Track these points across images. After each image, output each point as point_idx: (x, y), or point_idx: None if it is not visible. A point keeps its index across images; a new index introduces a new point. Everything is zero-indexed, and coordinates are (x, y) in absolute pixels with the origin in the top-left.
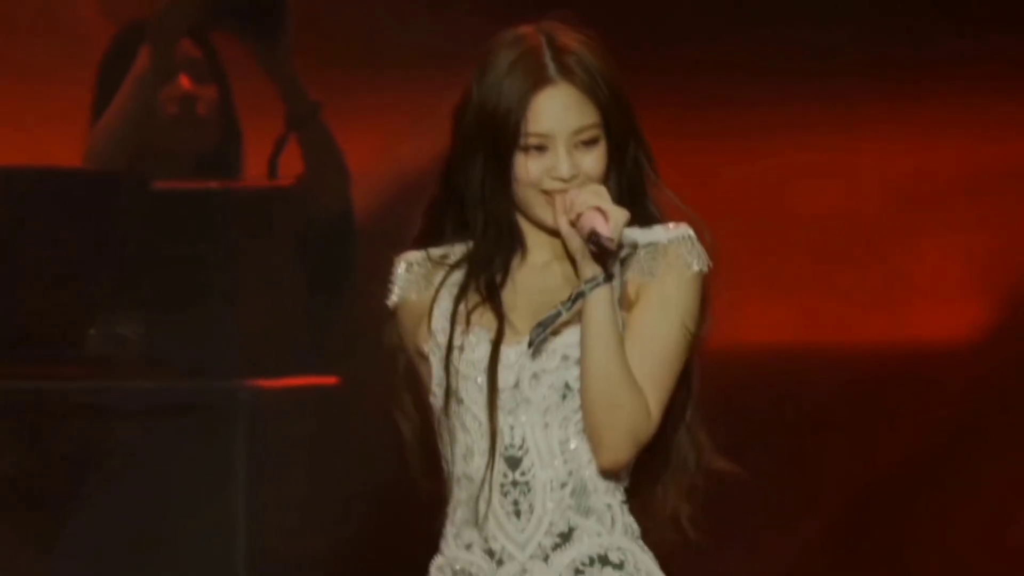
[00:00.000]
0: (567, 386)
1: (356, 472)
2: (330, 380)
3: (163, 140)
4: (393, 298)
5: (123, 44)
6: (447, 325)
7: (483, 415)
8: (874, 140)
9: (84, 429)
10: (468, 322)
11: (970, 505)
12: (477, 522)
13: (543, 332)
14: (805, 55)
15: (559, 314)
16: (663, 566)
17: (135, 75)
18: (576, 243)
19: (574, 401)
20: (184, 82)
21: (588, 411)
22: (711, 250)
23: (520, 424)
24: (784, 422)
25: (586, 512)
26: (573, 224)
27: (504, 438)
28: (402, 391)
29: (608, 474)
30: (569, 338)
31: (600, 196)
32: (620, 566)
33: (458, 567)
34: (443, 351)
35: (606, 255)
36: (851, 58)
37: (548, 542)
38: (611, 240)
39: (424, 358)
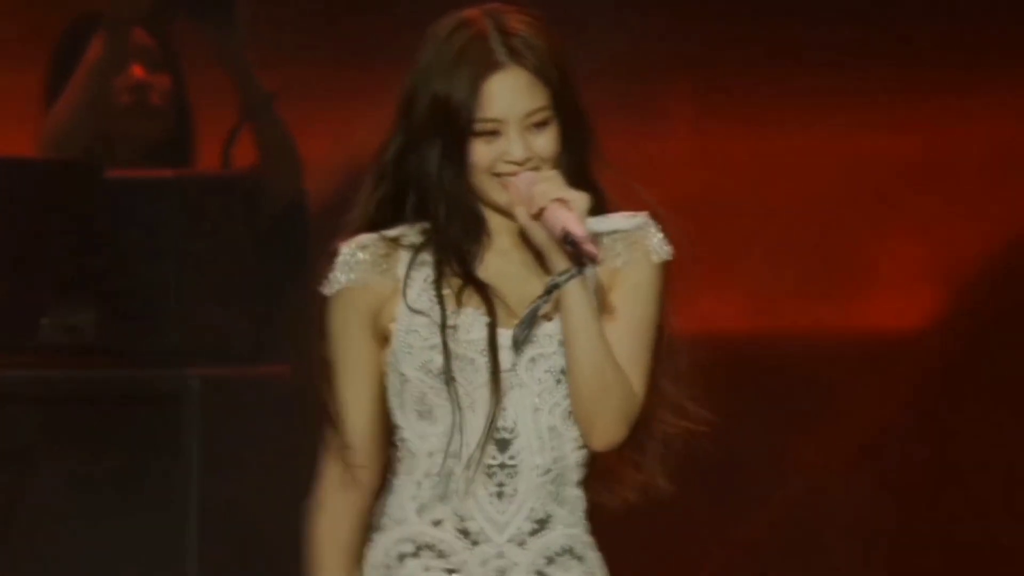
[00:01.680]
0: (562, 371)
1: (308, 460)
2: (283, 368)
3: (116, 129)
4: (344, 280)
5: (77, 32)
6: (432, 305)
7: (476, 394)
8: (828, 131)
9: (35, 418)
10: (459, 302)
11: (924, 491)
12: (452, 499)
13: (526, 330)
14: (763, 49)
15: (538, 309)
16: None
17: (88, 63)
18: (540, 236)
19: (566, 387)
20: (137, 71)
21: (578, 397)
22: (671, 236)
23: (512, 407)
24: (736, 410)
25: (562, 501)
26: (536, 217)
27: (495, 420)
28: (344, 372)
29: (583, 465)
30: (561, 322)
31: (558, 185)
32: (582, 560)
33: (423, 542)
34: (430, 330)
35: (583, 255)
36: (808, 51)
37: (527, 527)
38: (588, 240)
39: (384, 339)
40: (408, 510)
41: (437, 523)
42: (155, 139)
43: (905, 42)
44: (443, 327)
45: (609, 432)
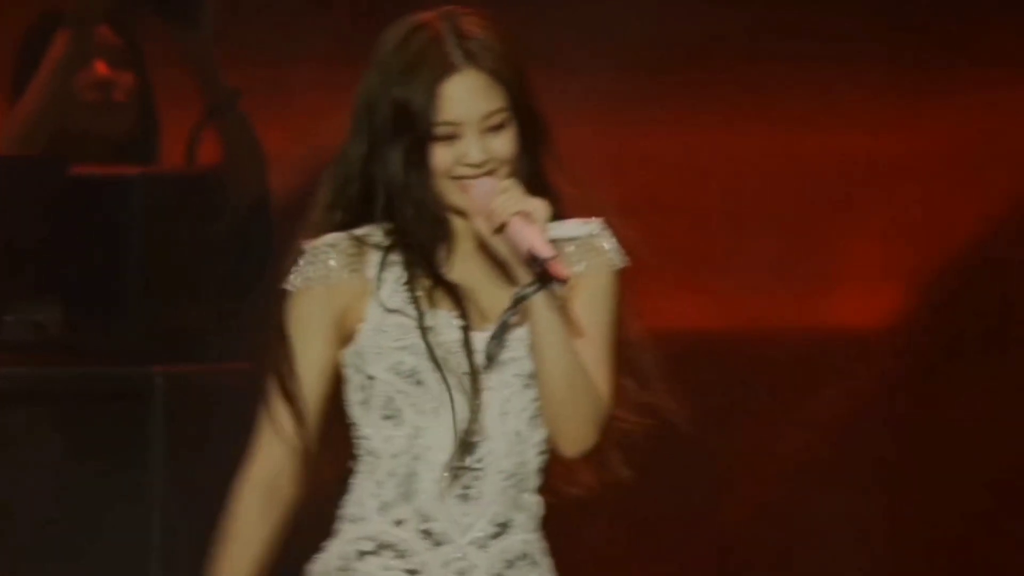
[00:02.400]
0: (530, 375)
1: None
2: (247, 366)
3: (80, 126)
4: (313, 277)
5: (41, 29)
6: (407, 306)
7: (444, 398)
8: (787, 128)
9: None
10: (432, 304)
11: (888, 489)
12: (416, 499)
13: (498, 343)
14: (719, 45)
15: (507, 322)
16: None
17: (52, 60)
18: (504, 249)
19: (533, 391)
20: (101, 68)
21: (549, 405)
22: (624, 240)
23: (480, 410)
24: (701, 409)
25: (520, 507)
26: (498, 231)
27: (462, 423)
28: (300, 369)
29: (541, 470)
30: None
31: (517, 198)
32: (537, 565)
33: (384, 541)
34: (403, 331)
35: (552, 277)
36: (766, 46)
37: (488, 530)
38: (556, 261)
39: (345, 339)
40: (368, 508)
41: (399, 523)
42: (119, 136)
43: (866, 42)
44: (422, 328)
45: (580, 439)
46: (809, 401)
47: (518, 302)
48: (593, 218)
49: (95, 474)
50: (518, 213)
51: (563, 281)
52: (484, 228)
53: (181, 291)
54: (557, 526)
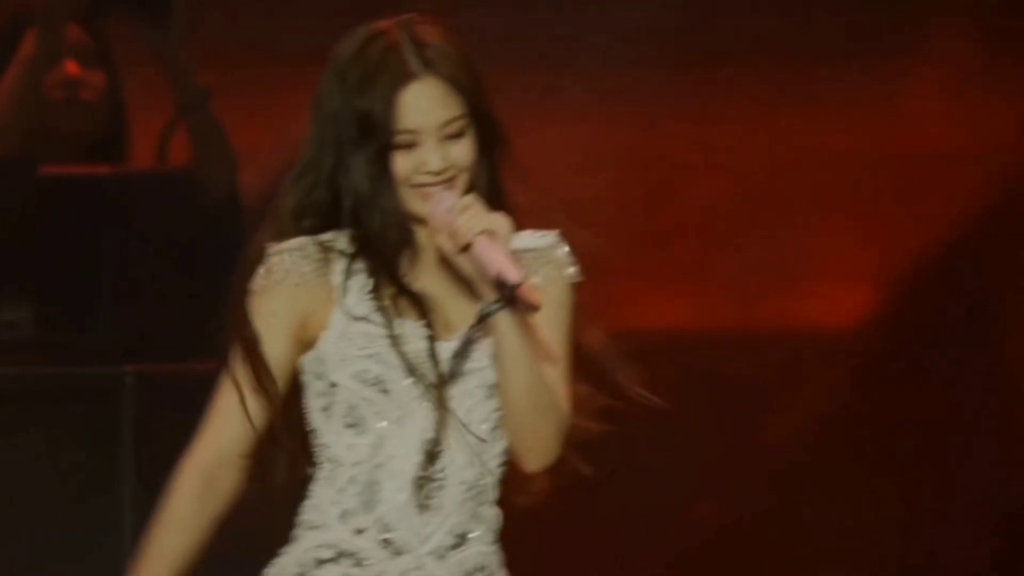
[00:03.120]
0: (494, 385)
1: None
2: (218, 365)
3: (50, 125)
4: (278, 279)
5: (10, 28)
6: (373, 315)
7: (410, 406)
8: (759, 128)
9: None
10: (398, 312)
11: (859, 487)
12: (377, 508)
13: (461, 360)
14: (684, 45)
15: (470, 338)
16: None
17: (21, 59)
18: (468, 267)
19: (495, 402)
20: (71, 67)
21: (512, 421)
22: (581, 249)
23: (443, 420)
24: (671, 409)
25: (479, 519)
26: (463, 251)
27: (424, 432)
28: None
29: (500, 482)
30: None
31: (480, 217)
32: None
33: (344, 549)
34: (368, 339)
35: (522, 304)
36: (732, 44)
37: (447, 541)
38: (526, 287)
39: (305, 345)
40: (329, 515)
41: (360, 531)
42: (89, 135)
43: (839, 37)
44: (391, 337)
45: (544, 454)
46: (783, 401)
47: (482, 319)
48: (550, 231)
49: (66, 472)
50: (483, 232)
51: (535, 308)
52: (448, 246)
53: (152, 290)
54: (520, 533)
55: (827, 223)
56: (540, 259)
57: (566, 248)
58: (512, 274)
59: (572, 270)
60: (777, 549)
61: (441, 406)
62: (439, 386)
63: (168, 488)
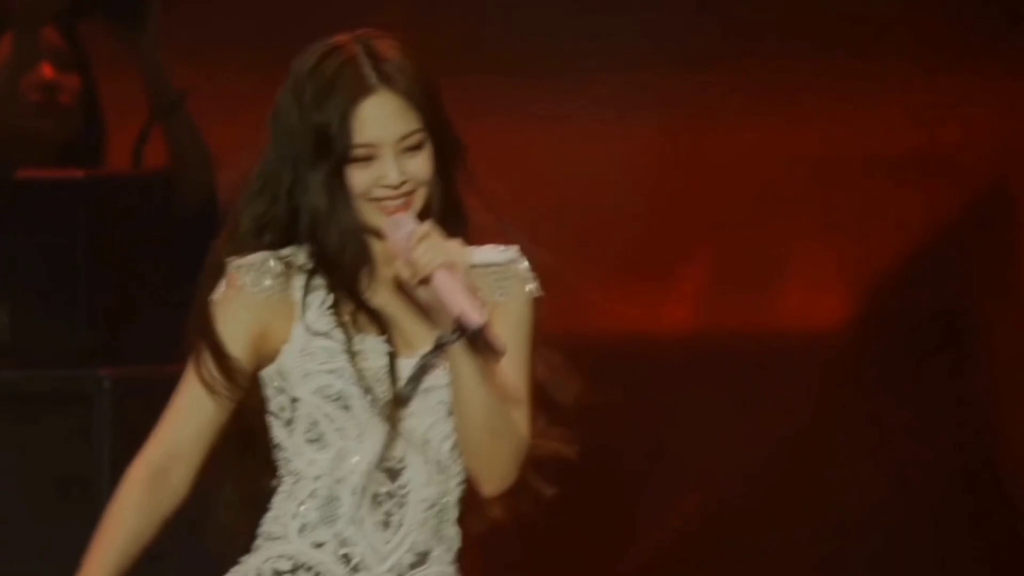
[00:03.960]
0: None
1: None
2: None
3: (25, 128)
4: (241, 291)
5: None
6: (332, 330)
7: (370, 422)
8: (739, 130)
9: None
10: (358, 328)
11: (827, 489)
12: (336, 523)
13: (415, 387)
14: (676, 49)
15: (426, 365)
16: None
17: None
18: (425, 297)
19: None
20: (47, 70)
21: (469, 448)
22: (538, 263)
23: (403, 437)
24: (651, 408)
25: (440, 538)
26: (422, 283)
27: (389, 448)
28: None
29: (461, 501)
30: None
31: (438, 248)
32: None
33: (302, 562)
34: (330, 354)
35: (485, 348)
36: (719, 50)
37: (407, 559)
38: (490, 331)
39: (264, 358)
40: (289, 528)
41: (319, 545)
42: (65, 139)
43: (814, 38)
44: (350, 352)
45: (502, 478)
46: (760, 402)
47: (439, 347)
48: (510, 245)
49: (42, 476)
50: (441, 265)
51: (497, 354)
52: (405, 274)
53: (128, 293)
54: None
55: (802, 224)
56: (501, 274)
57: (526, 263)
58: (474, 317)
59: (533, 285)
60: (760, 546)
61: (393, 423)
62: (394, 403)
63: (120, 481)
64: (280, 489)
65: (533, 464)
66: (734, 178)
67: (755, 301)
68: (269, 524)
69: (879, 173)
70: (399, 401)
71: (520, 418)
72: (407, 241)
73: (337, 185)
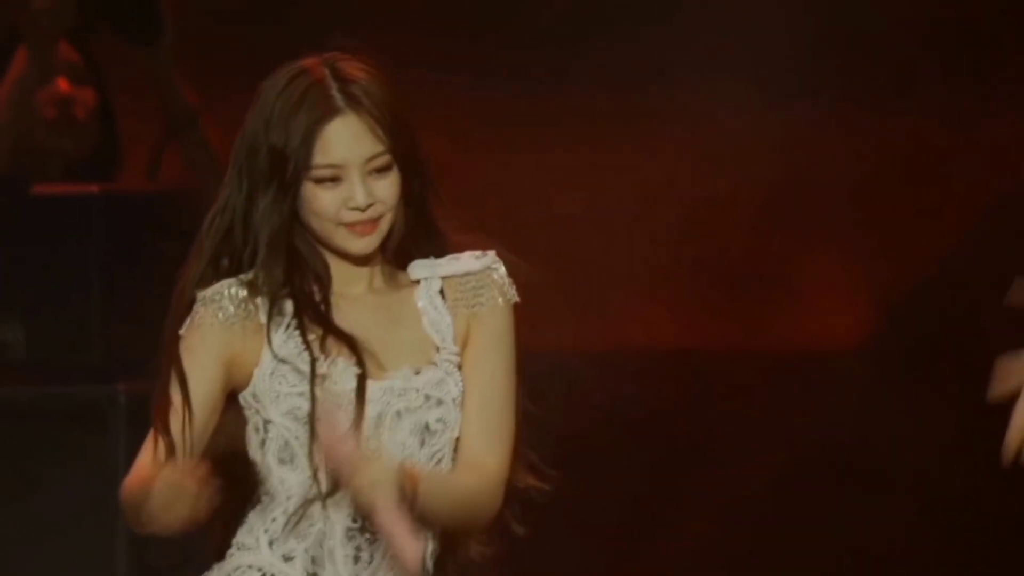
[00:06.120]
0: (427, 427)
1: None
2: None
3: (41, 143)
4: (209, 320)
5: (1, 44)
6: (299, 351)
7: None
8: (756, 146)
9: None
10: (324, 351)
11: (850, 508)
12: (306, 540)
13: (392, 402)
14: (686, 58)
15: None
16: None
17: (12, 77)
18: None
19: (430, 447)
20: (62, 85)
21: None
22: (518, 275)
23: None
24: (667, 426)
25: None
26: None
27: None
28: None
29: (437, 542)
30: (429, 376)
31: (388, 488)
32: None
33: (271, 572)
34: (298, 377)
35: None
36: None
37: None
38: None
39: (237, 382)
40: (260, 540)
41: (288, 559)
42: (80, 154)
43: (844, 50)
44: (312, 376)
45: (480, 529)
46: (777, 418)
47: None
48: (486, 252)
49: (59, 493)
50: (380, 504)
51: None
52: (331, 476)
53: (143, 308)
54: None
55: (821, 241)
56: (479, 283)
57: (503, 269)
58: (409, 556)
59: (510, 292)
60: (770, 561)
61: (358, 446)
62: (356, 426)
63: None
64: (255, 506)
65: (513, 504)
66: (755, 195)
67: (775, 320)
68: (242, 535)
69: (898, 187)
70: (358, 422)
71: (499, 457)
72: (346, 457)
73: (294, 206)
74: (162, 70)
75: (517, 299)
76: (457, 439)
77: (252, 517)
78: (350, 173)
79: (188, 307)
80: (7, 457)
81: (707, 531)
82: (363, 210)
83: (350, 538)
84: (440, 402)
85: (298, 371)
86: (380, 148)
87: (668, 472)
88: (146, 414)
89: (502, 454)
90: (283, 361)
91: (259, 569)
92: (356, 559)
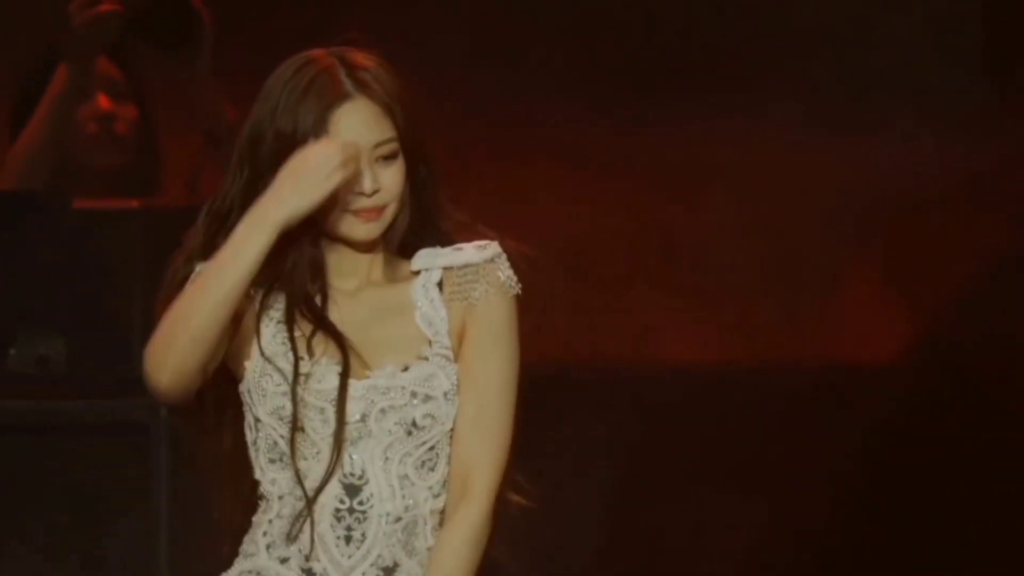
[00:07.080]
0: (414, 423)
1: None
2: None
3: (82, 159)
4: None
5: (43, 62)
6: (285, 350)
7: (324, 443)
8: (798, 162)
9: (3, 449)
10: (310, 350)
11: (892, 523)
12: (298, 540)
13: (377, 400)
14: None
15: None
16: None
17: (53, 93)
18: None
19: (418, 438)
20: (103, 101)
21: None
22: (524, 270)
23: (360, 455)
24: (705, 442)
25: (411, 552)
26: None
27: (344, 466)
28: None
29: (439, 512)
30: (417, 372)
31: None
32: None
33: (266, 575)
34: (284, 377)
35: None
36: (775, 74)
37: (372, 573)
38: None
39: (237, 367)
40: (260, 545)
41: (283, 561)
42: (121, 169)
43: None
44: (295, 376)
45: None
46: (814, 435)
47: None
48: (489, 242)
49: (100, 507)
50: None
51: None
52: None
53: None
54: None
55: (862, 257)
56: (476, 275)
57: (505, 260)
58: None
59: (510, 283)
60: None
61: (338, 444)
62: (340, 423)
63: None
64: (259, 507)
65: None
66: (795, 211)
67: (816, 335)
68: (246, 542)
69: (938, 204)
70: (341, 423)
71: (491, 472)
72: None
73: None
74: (200, 84)
75: (518, 291)
76: (451, 432)
77: (255, 522)
78: (358, 157)
79: (181, 285)
80: (49, 470)
81: (751, 546)
82: (369, 195)
83: (340, 519)
84: (428, 398)
85: (284, 370)
86: (388, 135)
87: (705, 490)
88: (186, 427)
89: (496, 468)
90: (268, 360)
91: (256, 572)
92: (348, 539)
